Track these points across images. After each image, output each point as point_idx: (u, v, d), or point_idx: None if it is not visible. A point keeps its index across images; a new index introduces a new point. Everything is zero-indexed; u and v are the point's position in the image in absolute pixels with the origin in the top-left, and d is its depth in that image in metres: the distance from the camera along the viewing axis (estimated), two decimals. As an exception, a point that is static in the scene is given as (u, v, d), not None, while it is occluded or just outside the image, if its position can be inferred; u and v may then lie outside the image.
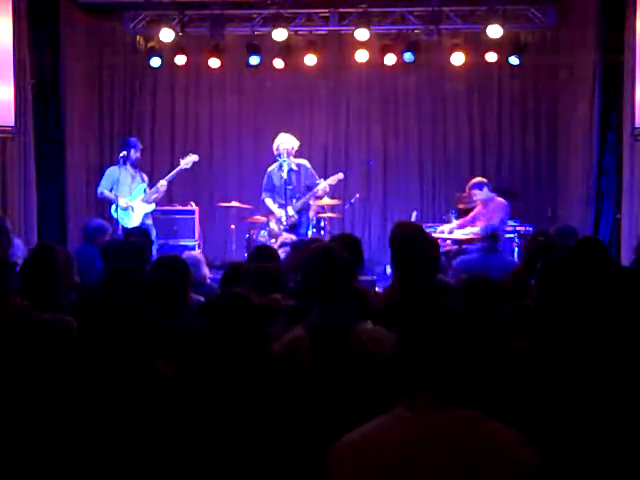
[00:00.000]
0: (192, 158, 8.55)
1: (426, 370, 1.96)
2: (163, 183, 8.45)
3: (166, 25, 9.52)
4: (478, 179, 8.22)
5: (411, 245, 3.75)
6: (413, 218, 8.97)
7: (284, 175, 8.31)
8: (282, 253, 5.83)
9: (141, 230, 6.41)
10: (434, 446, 1.89)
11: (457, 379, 1.96)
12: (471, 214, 8.18)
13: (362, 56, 9.79)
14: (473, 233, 7.70)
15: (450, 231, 8.14)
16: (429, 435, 1.91)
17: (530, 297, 3.39)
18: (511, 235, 8.41)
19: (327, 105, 10.73)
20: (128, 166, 8.21)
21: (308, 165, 8.61)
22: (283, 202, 8.39)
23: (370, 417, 2.00)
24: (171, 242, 8.94)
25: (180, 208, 9.49)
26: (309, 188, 8.43)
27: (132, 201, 8.23)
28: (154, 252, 7.05)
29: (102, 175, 8.52)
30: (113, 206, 8.10)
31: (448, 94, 10.51)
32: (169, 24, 9.56)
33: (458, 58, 9.70)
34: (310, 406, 2.54)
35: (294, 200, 8.43)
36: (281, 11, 9.49)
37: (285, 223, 8.40)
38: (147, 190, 8.35)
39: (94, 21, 10.13)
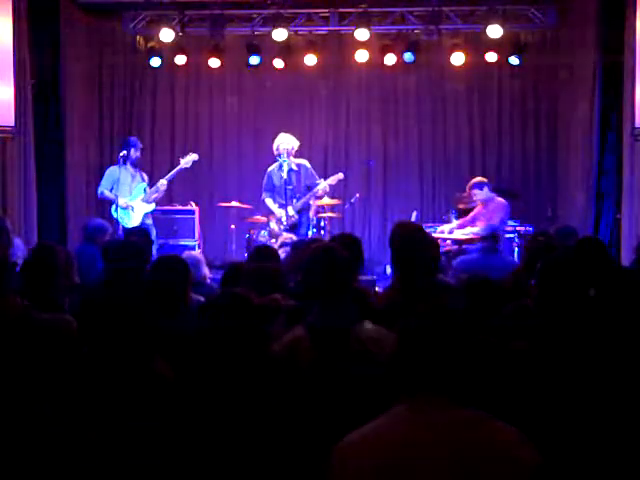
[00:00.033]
0: (192, 157, 8.55)
1: (426, 370, 1.96)
2: (163, 182, 8.44)
3: (166, 25, 9.53)
4: (478, 179, 8.21)
5: (411, 245, 3.75)
6: (413, 218, 8.96)
7: (284, 175, 8.30)
8: (282, 253, 5.81)
9: (141, 230, 6.40)
10: (434, 446, 1.89)
11: (457, 379, 1.96)
12: (471, 214, 8.17)
13: (362, 56, 9.79)
14: (473, 233, 7.69)
15: (450, 231, 8.13)
16: (429, 435, 1.91)
17: (530, 297, 3.39)
18: (511, 235, 8.41)
19: (327, 105, 10.72)
20: (128, 165, 8.21)
21: (308, 165, 8.61)
22: (283, 202, 8.38)
23: (370, 417, 2.00)
24: (171, 242, 8.93)
25: (180, 208, 9.49)
26: (309, 188, 8.43)
27: (132, 201, 8.23)
28: (154, 252, 7.04)
29: (102, 175, 8.52)
30: (113, 206, 8.11)
31: (448, 94, 10.50)
32: (169, 24, 9.56)
33: (458, 58, 9.69)
34: (310, 406, 2.54)
35: (294, 200, 8.42)
36: (281, 11, 9.49)
37: (285, 223, 8.40)
38: (147, 189, 8.35)
39: (94, 21, 10.13)
